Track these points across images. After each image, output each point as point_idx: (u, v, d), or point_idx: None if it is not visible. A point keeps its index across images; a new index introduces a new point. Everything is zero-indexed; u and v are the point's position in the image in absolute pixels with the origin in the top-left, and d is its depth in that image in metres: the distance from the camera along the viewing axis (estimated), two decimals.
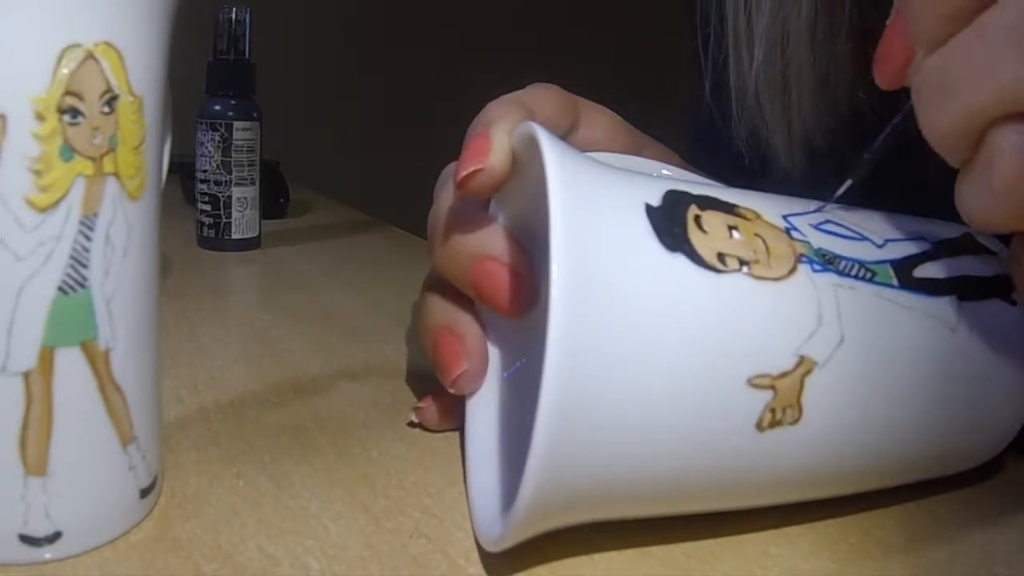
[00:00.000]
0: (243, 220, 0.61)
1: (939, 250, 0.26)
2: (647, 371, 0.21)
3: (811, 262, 0.24)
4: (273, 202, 0.73)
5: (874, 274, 0.25)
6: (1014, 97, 0.20)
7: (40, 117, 0.19)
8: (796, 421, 0.23)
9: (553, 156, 0.22)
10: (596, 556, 0.24)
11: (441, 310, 0.29)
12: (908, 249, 0.26)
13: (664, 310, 0.22)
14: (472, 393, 0.28)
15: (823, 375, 0.23)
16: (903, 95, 0.24)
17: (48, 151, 0.20)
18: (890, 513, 0.27)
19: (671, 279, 0.22)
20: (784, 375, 0.22)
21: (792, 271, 0.23)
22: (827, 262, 0.24)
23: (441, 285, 0.29)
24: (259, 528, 0.24)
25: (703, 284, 0.22)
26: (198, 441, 0.29)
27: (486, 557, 0.23)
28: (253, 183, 0.61)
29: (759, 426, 0.22)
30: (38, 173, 0.19)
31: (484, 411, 0.28)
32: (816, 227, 0.25)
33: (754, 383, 0.22)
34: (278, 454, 0.29)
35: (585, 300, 0.21)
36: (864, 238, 0.25)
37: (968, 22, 0.20)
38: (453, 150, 0.31)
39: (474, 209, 0.28)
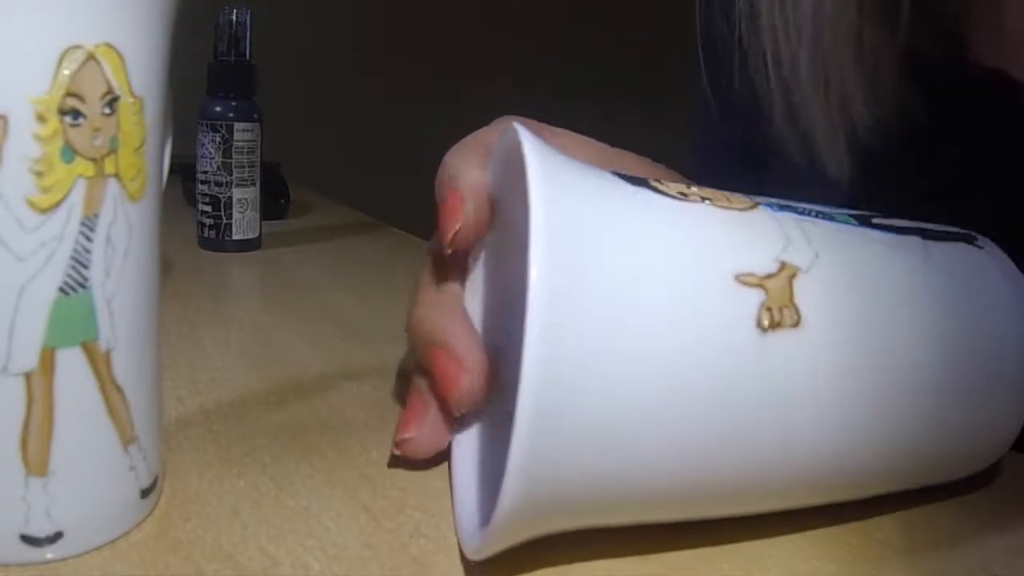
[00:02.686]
0: (244, 221, 0.61)
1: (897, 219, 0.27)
2: (634, 292, 0.21)
3: (769, 206, 0.25)
4: (274, 203, 0.73)
5: (832, 218, 0.26)
6: None
7: (41, 118, 0.19)
8: (796, 324, 0.23)
9: (530, 145, 0.23)
10: (596, 557, 0.24)
11: (422, 373, 0.29)
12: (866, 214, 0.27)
13: (635, 234, 0.22)
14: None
15: (810, 279, 0.23)
16: (949, 85, 0.22)
17: (49, 152, 0.20)
18: (889, 515, 0.27)
19: (636, 206, 0.23)
20: (770, 276, 0.23)
21: (752, 208, 0.25)
22: (784, 208, 0.25)
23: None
24: (260, 528, 0.24)
25: (670, 206, 0.23)
26: (199, 441, 0.29)
27: (486, 557, 0.23)
28: (254, 184, 0.61)
29: (760, 324, 0.22)
30: (39, 174, 0.20)
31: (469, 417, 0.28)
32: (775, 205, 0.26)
33: (742, 280, 0.22)
34: (278, 454, 0.29)
35: (560, 249, 0.21)
36: (822, 211, 0.26)
37: None
38: None
39: (453, 279, 0.29)
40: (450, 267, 0.29)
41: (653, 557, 0.24)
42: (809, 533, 0.26)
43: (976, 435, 0.27)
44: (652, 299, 0.22)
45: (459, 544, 0.24)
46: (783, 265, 0.23)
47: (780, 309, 0.23)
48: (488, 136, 0.29)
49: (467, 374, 0.26)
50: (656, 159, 0.34)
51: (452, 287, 0.29)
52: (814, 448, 0.24)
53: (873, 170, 0.36)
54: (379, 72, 1.66)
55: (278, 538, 0.24)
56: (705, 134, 0.50)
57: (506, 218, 0.28)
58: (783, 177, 0.37)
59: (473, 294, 0.29)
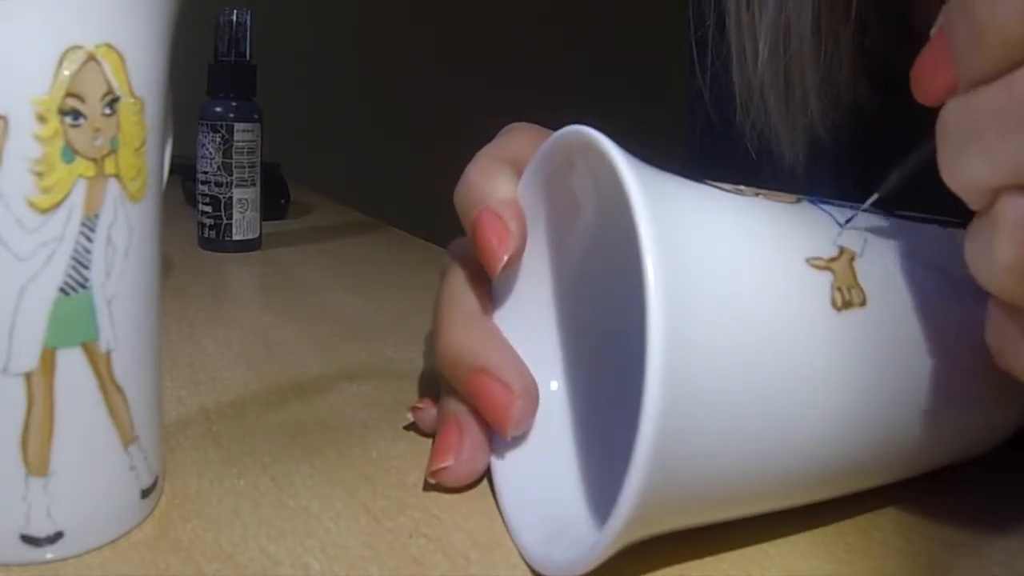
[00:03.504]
0: (244, 221, 0.61)
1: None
2: (732, 286, 0.22)
3: (811, 200, 0.27)
4: (274, 203, 0.73)
5: (861, 209, 0.27)
6: None
7: (41, 119, 0.19)
8: (863, 303, 0.24)
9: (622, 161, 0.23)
10: None
11: (457, 398, 0.28)
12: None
13: (721, 230, 0.23)
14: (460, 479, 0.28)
15: (866, 261, 0.25)
16: (906, 94, 0.23)
17: (49, 153, 0.20)
18: (887, 514, 0.27)
19: (712, 203, 0.24)
20: (833, 259, 0.24)
21: (797, 201, 0.26)
22: (821, 201, 0.27)
23: None
24: (260, 528, 0.24)
25: (736, 201, 0.25)
26: (199, 441, 0.29)
27: (486, 557, 0.24)
28: (254, 184, 0.61)
29: (834, 304, 0.23)
30: (40, 174, 0.20)
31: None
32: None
33: (812, 263, 0.24)
34: (279, 454, 0.29)
35: (669, 258, 0.21)
36: (852, 204, 0.28)
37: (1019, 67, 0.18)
38: (453, 152, 0.31)
39: (480, 297, 0.28)
40: (474, 283, 0.28)
41: (652, 557, 0.24)
42: (808, 532, 0.26)
43: (998, 412, 0.28)
44: (746, 290, 0.23)
45: (524, 561, 0.24)
46: (841, 250, 0.24)
47: (848, 289, 0.24)
48: (514, 146, 0.29)
49: (519, 399, 0.26)
50: (655, 160, 0.34)
51: (480, 305, 0.28)
52: (876, 422, 0.25)
53: (827, 165, 0.37)
54: (379, 72, 1.66)
55: (278, 538, 0.24)
56: (694, 129, 0.51)
57: (541, 222, 0.28)
58: (742, 167, 0.38)
59: (502, 306, 0.29)
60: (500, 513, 0.26)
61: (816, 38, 0.35)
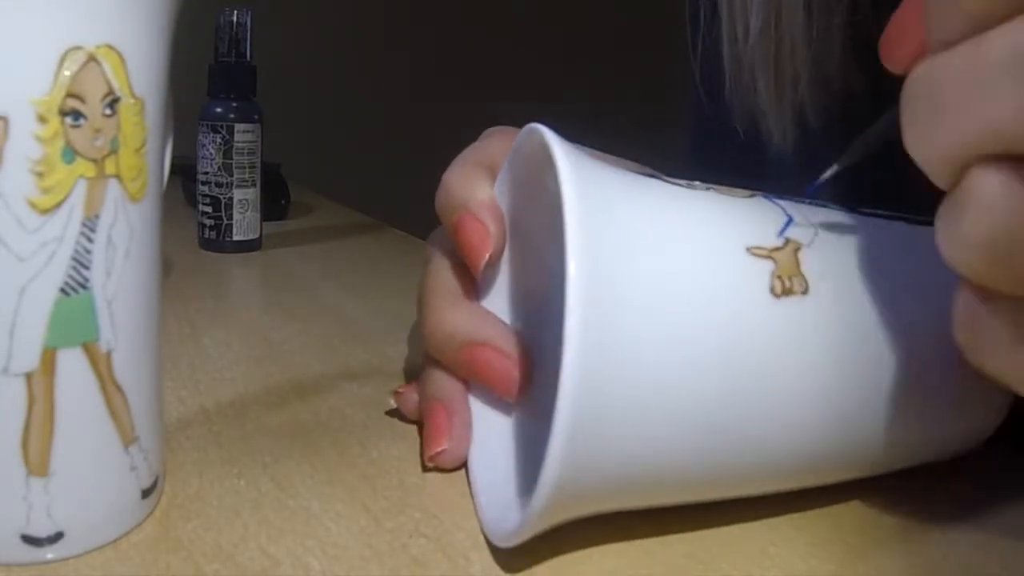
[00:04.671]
0: (244, 222, 0.61)
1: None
2: (659, 274, 0.23)
3: (767, 195, 0.27)
4: (274, 204, 0.73)
5: (825, 205, 0.28)
6: (1004, 135, 0.16)
7: (42, 119, 0.19)
8: (805, 291, 0.24)
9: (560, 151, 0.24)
10: (596, 556, 0.24)
11: (439, 381, 0.29)
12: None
13: (657, 216, 0.24)
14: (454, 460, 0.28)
15: (813, 251, 0.25)
16: (897, 80, 0.22)
17: (50, 153, 0.20)
18: (887, 513, 0.27)
19: (654, 192, 0.25)
20: (777, 249, 0.25)
21: (751, 196, 0.27)
22: (781, 197, 0.27)
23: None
24: (260, 528, 0.24)
25: (681, 192, 0.26)
26: (199, 442, 0.29)
27: (486, 557, 0.24)
28: (254, 185, 0.61)
29: (773, 291, 0.24)
30: (40, 175, 0.20)
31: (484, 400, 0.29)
32: None
33: (753, 252, 0.24)
34: (279, 454, 0.29)
35: (594, 238, 0.22)
36: (814, 201, 0.29)
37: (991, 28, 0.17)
38: (453, 152, 0.31)
39: (464, 285, 0.29)
40: (458, 270, 0.29)
41: (653, 557, 0.24)
42: (808, 531, 0.26)
43: (966, 410, 0.28)
44: (678, 274, 0.23)
45: (484, 535, 0.25)
46: (787, 241, 0.25)
47: (790, 277, 0.24)
48: (490, 149, 0.30)
49: (517, 366, 0.27)
50: (654, 160, 0.34)
51: (466, 289, 0.29)
52: (824, 413, 0.25)
53: (819, 150, 0.37)
54: (379, 72, 1.66)
55: (278, 538, 0.24)
56: (698, 120, 0.51)
57: (520, 225, 0.29)
58: (734, 149, 0.38)
59: (483, 301, 0.30)
60: (470, 489, 0.27)
61: (808, 15, 0.35)
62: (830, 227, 0.26)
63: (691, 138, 0.51)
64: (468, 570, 0.23)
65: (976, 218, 0.17)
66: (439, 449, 0.28)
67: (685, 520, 0.26)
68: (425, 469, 0.28)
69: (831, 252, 0.26)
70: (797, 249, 0.25)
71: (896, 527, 0.26)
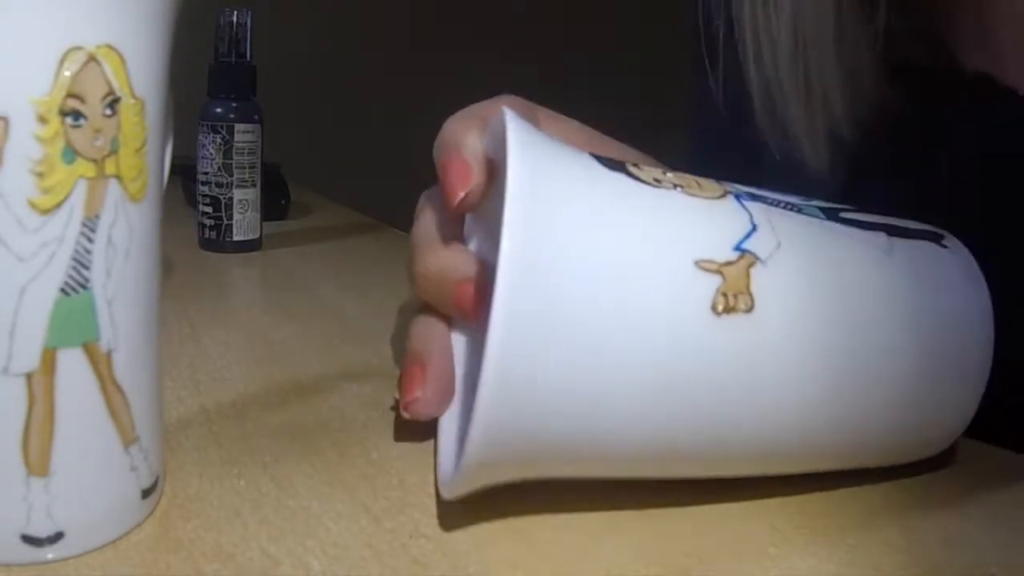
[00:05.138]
0: (244, 222, 0.61)
1: (868, 213, 0.29)
2: (596, 268, 0.23)
3: (739, 196, 0.26)
4: (274, 204, 0.73)
5: (800, 209, 0.27)
6: None
7: (42, 119, 0.19)
8: (750, 309, 0.24)
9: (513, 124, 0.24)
10: (596, 556, 0.24)
11: (420, 332, 0.30)
12: (834, 206, 0.29)
13: (607, 213, 0.24)
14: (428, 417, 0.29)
15: (767, 270, 0.25)
16: (931, 86, 0.22)
17: (50, 153, 0.20)
18: (888, 513, 0.27)
19: (611, 188, 0.25)
20: (729, 263, 0.24)
21: (722, 196, 0.26)
22: (754, 197, 0.27)
23: (423, 308, 0.31)
24: (260, 528, 0.24)
25: (642, 192, 0.25)
26: (199, 442, 0.29)
27: (486, 557, 0.24)
28: (254, 185, 0.62)
29: (714, 308, 0.24)
30: (40, 175, 0.20)
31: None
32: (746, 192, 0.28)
33: (702, 265, 0.24)
34: (279, 454, 0.29)
35: (531, 223, 0.22)
36: (792, 202, 0.28)
37: None
38: None
39: (451, 233, 0.30)
40: (447, 220, 0.30)
41: (652, 556, 0.24)
42: (808, 532, 0.26)
43: (926, 422, 0.28)
44: (614, 276, 0.23)
45: (436, 487, 0.26)
46: (742, 254, 0.24)
47: (735, 295, 0.24)
48: (486, 111, 0.30)
49: (423, 386, 0.28)
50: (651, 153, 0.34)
51: (455, 236, 0.30)
52: (760, 426, 0.25)
53: (854, 168, 0.37)
54: (379, 72, 1.66)
55: (278, 538, 0.24)
56: (702, 127, 0.51)
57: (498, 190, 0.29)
58: (770, 173, 0.38)
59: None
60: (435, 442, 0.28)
61: (838, 37, 0.34)
62: (796, 237, 0.26)
63: (693, 143, 0.51)
64: (468, 570, 0.23)
65: None
66: (411, 397, 0.28)
67: (685, 520, 0.26)
68: (426, 488, 0.28)
69: (790, 266, 0.25)
70: (751, 264, 0.24)
71: (896, 527, 0.26)
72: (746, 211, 0.26)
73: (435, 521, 0.25)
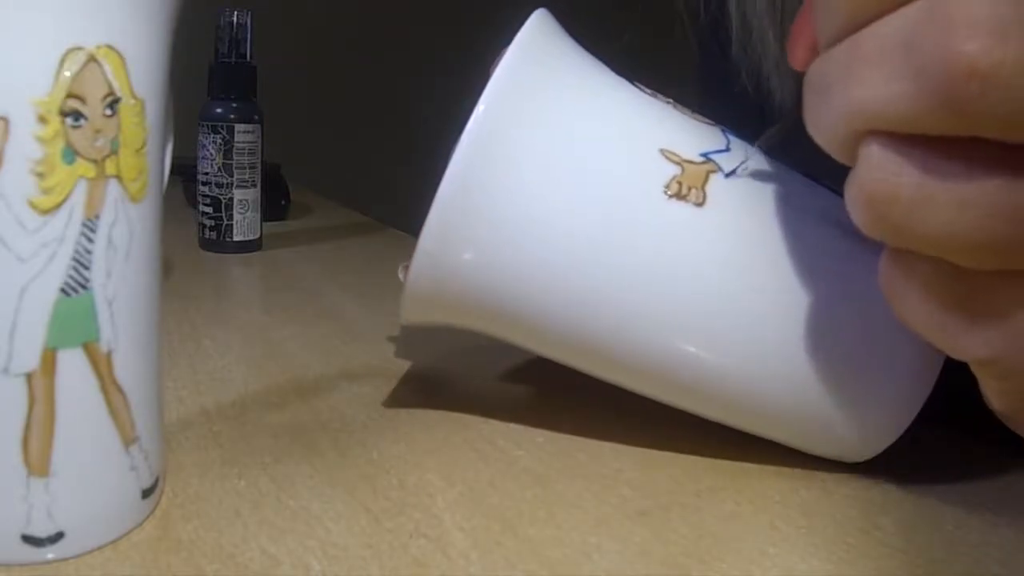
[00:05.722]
0: (244, 222, 0.61)
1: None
2: (570, 125, 0.26)
3: (728, 131, 0.29)
4: (274, 204, 0.73)
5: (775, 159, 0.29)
6: (873, 114, 0.19)
7: (42, 120, 0.19)
8: (700, 204, 0.26)
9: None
10: (596, 556, 0.24)
11: None
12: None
13: (599, 92, 0.27)
14: None
15: (727, 183, 0.27)
16: None
17: (50, 153, 0.20)
18: (888, 513, 0.27)
19: (611, 80, 0.28)
20: (691, 162, 0.26)
21: (712, 125, 0.28)
22: (743, 137, 0.29)
23: None
24: (260, 528, 0.24)
25: (637, 94, 0.28)
26: (200, 442, 0.29)
27: (486, 557, 0.24)
28: (254, 185, 0.62)
29: (667, 190, 0.26)
30: (40, 175, 0.20)
31: None
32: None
33: (665, 154, 0.26)
34: (279, 455, 0.29)
35: (537, 64, 0.27)
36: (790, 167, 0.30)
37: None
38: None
39: None
40: None
41: (653, 554, 0.24)
42: (808, 532, 0.26)
43: (859, 396, 0.27)
44: (584, 136, 0.26)
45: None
46: (706, 160, 0.27)
47: (689, 187, 0.26)
48: None
49: None
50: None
51: None
52: (687, 323, 0.27)
53: None
54: (379, 73, 1.66)
55: (279, 538, 0.24)
56: (708, 89, 0.51)
57: None
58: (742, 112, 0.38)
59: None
60: None
61: None
62: (766, 175, 0.27)
63: (697, 91, 0.52)
64: (468, 570, 0.23)
65: (858, 180, 0.20)
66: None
67: (685, 520, 0.26)
68: (426, 487, 0.28)
69: (749, 191, 0.27)
70: (712, 170, 0.26)
71: (897, 526, 0.26)
72: (726, 137, 0.28)
73: (435, 521, 0.25)
